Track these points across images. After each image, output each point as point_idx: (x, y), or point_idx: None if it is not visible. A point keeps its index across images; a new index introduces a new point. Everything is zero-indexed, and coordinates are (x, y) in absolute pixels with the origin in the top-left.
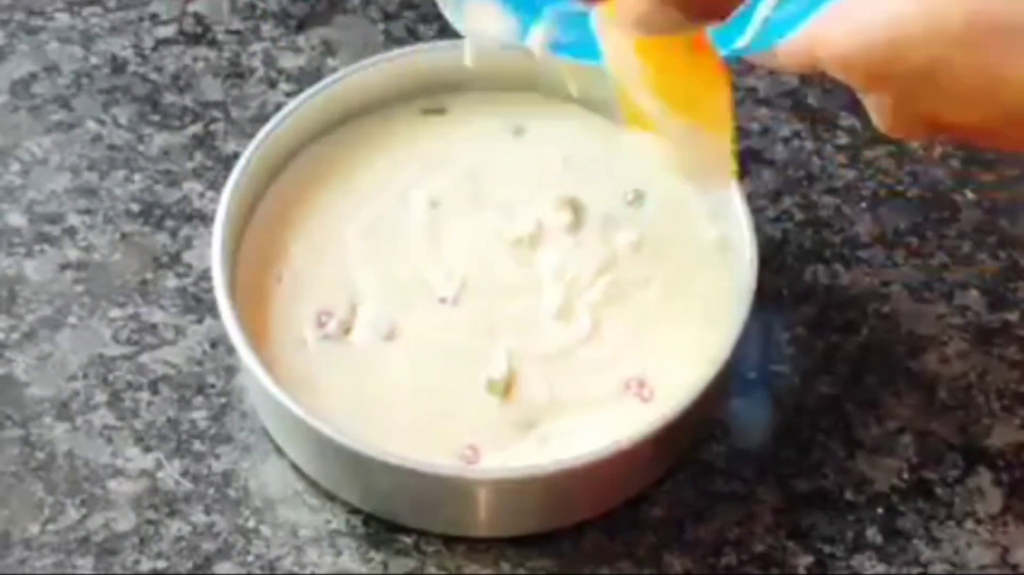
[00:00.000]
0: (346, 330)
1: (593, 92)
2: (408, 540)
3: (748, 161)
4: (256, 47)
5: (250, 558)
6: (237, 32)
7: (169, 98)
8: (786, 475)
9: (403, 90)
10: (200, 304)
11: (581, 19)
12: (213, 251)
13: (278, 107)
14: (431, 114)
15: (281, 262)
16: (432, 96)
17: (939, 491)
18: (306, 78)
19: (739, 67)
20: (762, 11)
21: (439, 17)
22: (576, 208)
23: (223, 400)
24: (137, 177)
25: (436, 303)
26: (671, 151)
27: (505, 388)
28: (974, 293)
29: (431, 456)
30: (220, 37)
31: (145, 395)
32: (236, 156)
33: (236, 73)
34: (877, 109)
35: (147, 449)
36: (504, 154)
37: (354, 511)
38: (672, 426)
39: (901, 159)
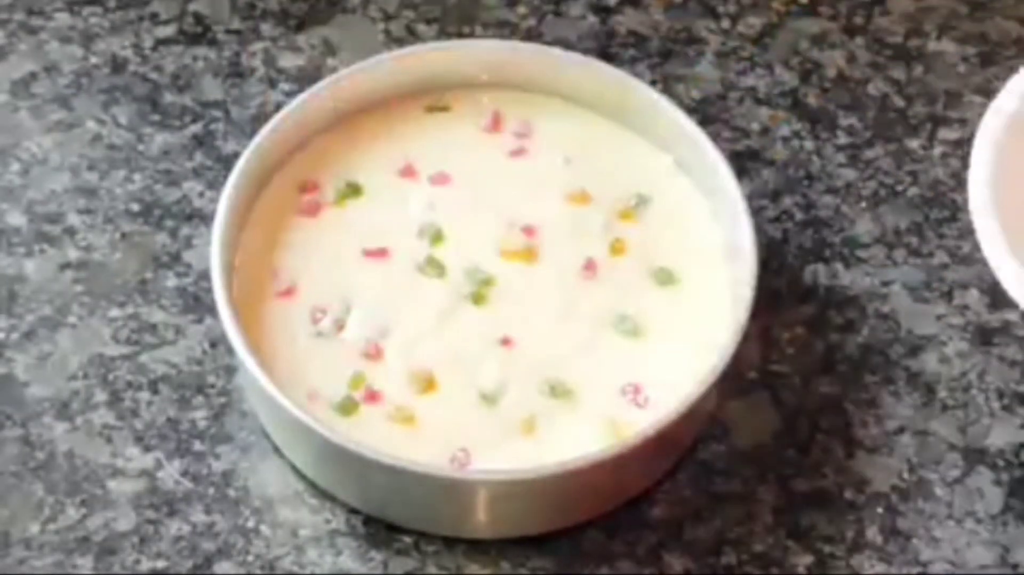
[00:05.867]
0: (339, 327)
1: (597, 93)
2: (408, 540)
3: (748, 161)
4: (256, 47)
5: (250, 558)
6: (237, 32)
7: (169, 98)
8: (786, 475)
9: (406, 88)
10: (200, 304)
11: None
12: (212, 251)
13: (278, 107)
14: (435, 111)
15: (279, 261)
16: (436, 94)
17: (939, 491)
18: (306, 78)
19: (739, 67)
20: None
21: (439, 17)
22: (577, 211)
23: (223, 400)
24: (137, 177)
25: (430, 304)
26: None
27: (496, 397)
28: (974, 293)
29: (420, 458)
30: (220, 37)
31: (145, 395)
32: (236, 156)
33: (236, 73)
34: None
35: (147, 449)
36: (506, 155)
37: (354, 511)
38: (669, 430)
39: (901, 159)
